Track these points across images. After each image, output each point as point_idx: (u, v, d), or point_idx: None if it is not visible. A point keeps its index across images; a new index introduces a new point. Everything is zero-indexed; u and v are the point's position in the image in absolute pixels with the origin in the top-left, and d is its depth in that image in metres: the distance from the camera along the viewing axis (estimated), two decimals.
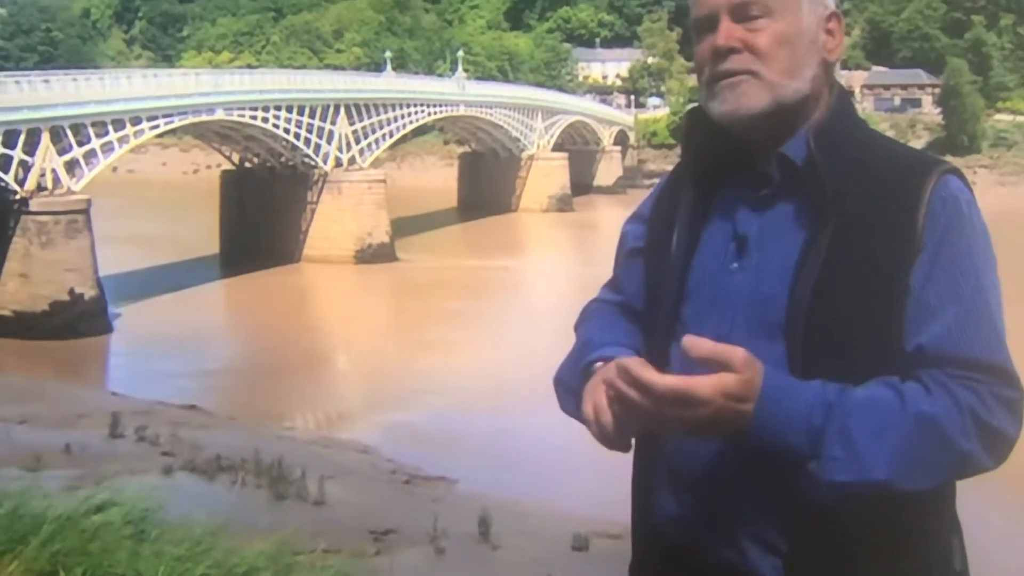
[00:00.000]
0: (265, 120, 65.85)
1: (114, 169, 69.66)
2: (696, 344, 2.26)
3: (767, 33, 2.48)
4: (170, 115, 59.81)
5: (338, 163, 71.61)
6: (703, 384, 2.24)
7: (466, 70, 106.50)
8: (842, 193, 2.40)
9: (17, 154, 49.17)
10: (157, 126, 59.50)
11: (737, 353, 2.26)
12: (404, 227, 75.92)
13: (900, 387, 2.30)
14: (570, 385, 2.61)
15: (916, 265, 2.37)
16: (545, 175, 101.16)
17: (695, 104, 2.71)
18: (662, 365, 2.49)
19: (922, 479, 2.29)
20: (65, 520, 6.60)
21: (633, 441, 2.49)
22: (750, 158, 2.56)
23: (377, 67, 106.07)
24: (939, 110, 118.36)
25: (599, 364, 2.52)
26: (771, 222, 2.50)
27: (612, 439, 2.39)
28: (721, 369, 2.25)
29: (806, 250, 2.41)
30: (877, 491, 2.27)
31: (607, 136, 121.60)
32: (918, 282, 2.37)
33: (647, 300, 2.70)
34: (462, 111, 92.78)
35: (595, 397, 2.41)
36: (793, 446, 2.29)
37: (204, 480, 18.59)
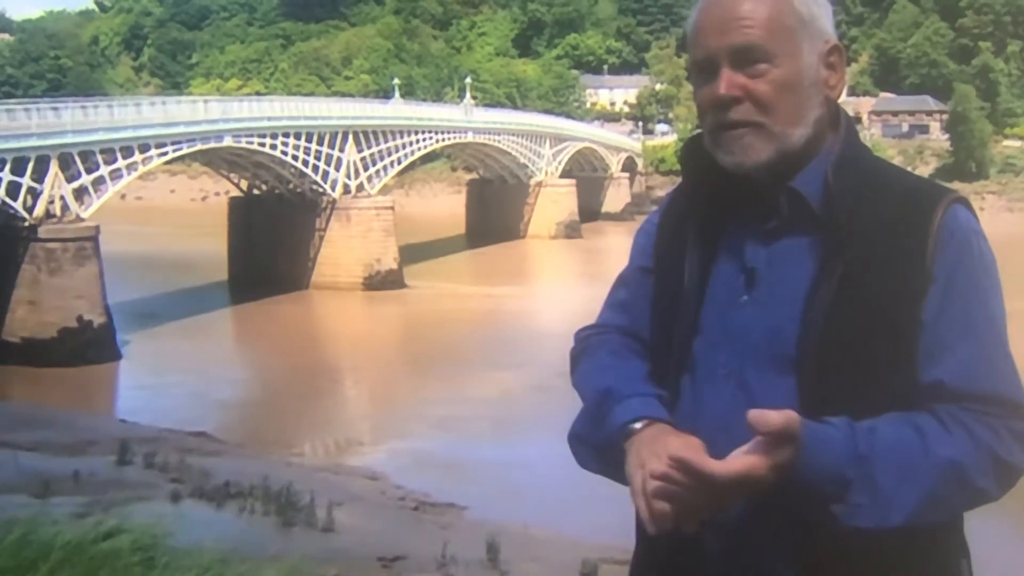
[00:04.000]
0: (273, 147, 65.99)
1: (122, 196, 70.08)
2: (763, 419, 2.19)
3: (768, 80, 2.44)
4: (178, 142, 59.96)
5: (346, 190, 71.75)
6: (761, 465, 2.21)
7: (474, 97, 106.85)
8: (854, 228, 2.39)
9: (26, 181, 49.29)
10: (166, 153, 59.64)
11: (794, 421, 2.21)
12: (412, 254, 75.99)
13: (922, 427, 2.30)
14: (594, 442, 2.56)
15: (927, 297, 2.37)
16: (553, 202, 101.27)
17: (695, 133, 2.67)
18: (673, 397, 2.51)
19: (939, 517, 2.32)
20: (74, 547, 6.60)
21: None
22: (755, 190, 2.52)
23: (385, 94, 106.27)
24: (947, 136, 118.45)
25: (638, 425, 2.43)
26: (779, 254, 2.48)
27: (668, 526, 2.31)
28: (787, 441, 2.21)
29: (817, 283, 2.39)
30: (896, 531, 2.28)
31: (615, 163, 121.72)
32: (931, 315, 2.36)
33: (655, 330, 2.67)
34: (470, 138, 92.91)
35: (644, 483, 2.32)
36: (823, 496, 2.27)
37: (212, 507, 18.53)
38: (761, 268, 2.50)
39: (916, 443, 2.28)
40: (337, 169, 71.43)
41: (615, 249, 72.91)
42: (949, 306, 2.37)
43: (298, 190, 71.24)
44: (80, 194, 52.63)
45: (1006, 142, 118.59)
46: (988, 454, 2.29)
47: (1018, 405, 2.34)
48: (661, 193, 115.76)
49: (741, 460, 2.22)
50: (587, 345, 2.79)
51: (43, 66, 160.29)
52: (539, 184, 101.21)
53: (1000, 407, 2.32)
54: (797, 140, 2.47)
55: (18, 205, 48.91)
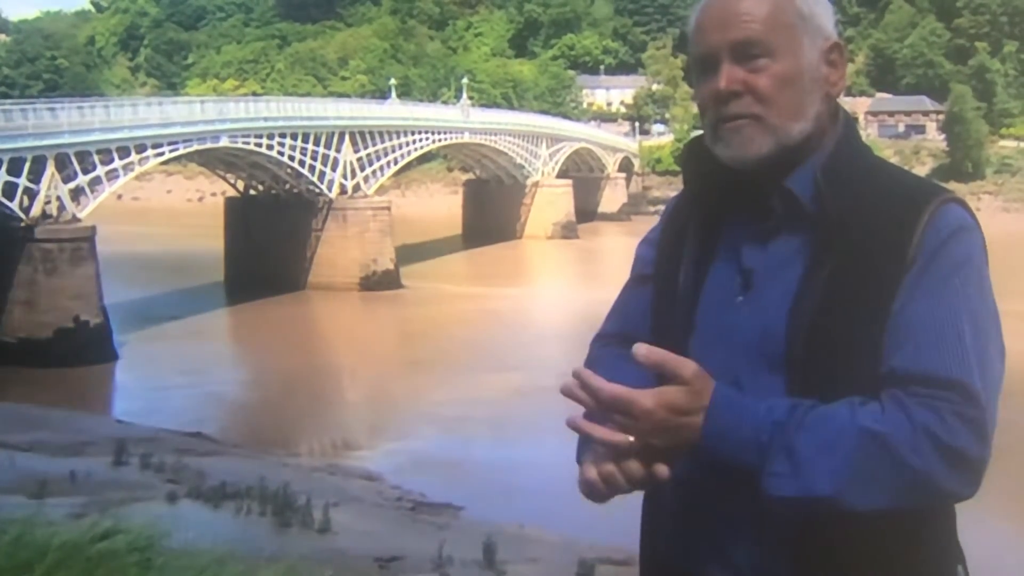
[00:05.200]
0: (270, 147, 65.92)
1: (119, 197, 70.01)
2: (645, 352, 2.27)
3: (768, 74, 2.46)
4: (175, 143, 59.92)
5: (343, 190, 71.73)
6: (645, 396, 2.26)
7: (471, 97, 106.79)
8: (844, 226, 2.39)
9: (22, 181, 49.22)
10: (162, 154, 59.68)
11: (687, 365, 2.28)
12: (409, 254, 76.00)
13: (855, 403, 2.29)
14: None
15: (900, 289, 2.36)
16: (549, 202, 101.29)
17: (695, 135, 2.69)
18: None
19: (873, 497, 2.25)
20: (70, 548, 6.59)
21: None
22: (753, 190, 2.54)
23: (382, 94, 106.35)
24: (943, 136, 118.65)
25: None
26: (774, 255, 2.49)
27: (598, 487, 2.41)
28: (670, 380, 2.27)
29: (805, 283, 2.40)
30: (825, 508, 2.25)
31: (611, 163, 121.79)
32: (899, 304, 2.35)
33: (653, 331, 2.67)
34: (467, 138, 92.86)
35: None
36: (743, 462, 2.29)
37: (209, 507, 18.52)
38: (758, 269, 2.51)
39: (844, 415, 2.27)
40: (334, 169, 71.40)
41: (611, 249, 73.11)
42: (916, 295, 2.35)
43: (295, 190, 71.19)
44: (76, 194, 52.57)
45: (1002, 142, 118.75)
46: (925, 434, 2.23)
47: (963, 387, 2.28)
48: (658, 193, 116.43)
49: (627, 388, 2.28)
50: (592, 360, 2.79)
51: (39, 66, 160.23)
52: (535, 184, 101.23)
53: (944, 389, 2.27)
54: (796, 135, 2.49)
55: (14, 205, 48.80)
